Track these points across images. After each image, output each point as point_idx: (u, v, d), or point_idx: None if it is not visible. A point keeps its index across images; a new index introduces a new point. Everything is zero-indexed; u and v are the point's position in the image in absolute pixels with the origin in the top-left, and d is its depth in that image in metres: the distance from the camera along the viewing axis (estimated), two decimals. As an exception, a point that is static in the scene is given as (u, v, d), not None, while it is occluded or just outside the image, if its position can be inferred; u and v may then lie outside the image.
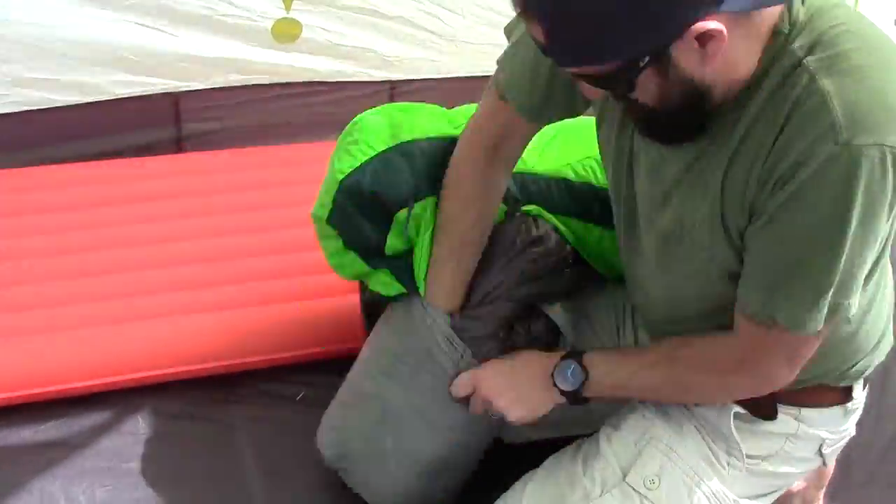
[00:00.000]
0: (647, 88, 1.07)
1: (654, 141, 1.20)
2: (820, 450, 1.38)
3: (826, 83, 1.04)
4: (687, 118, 1.12)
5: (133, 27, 2.31)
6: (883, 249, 1.17)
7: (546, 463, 1.42)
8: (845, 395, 1.37)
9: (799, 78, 1.05)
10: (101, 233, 2.10)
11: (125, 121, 2.44)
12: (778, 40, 1.08)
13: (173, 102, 2.48)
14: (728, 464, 1.34)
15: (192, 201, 2.25)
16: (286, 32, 2.47)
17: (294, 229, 2.14)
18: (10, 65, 2.25)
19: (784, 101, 1.06)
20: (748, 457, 1.33)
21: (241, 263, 2.05)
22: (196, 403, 1.81)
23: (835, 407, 1.36)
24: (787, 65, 1.07)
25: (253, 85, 2.54)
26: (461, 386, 1.46)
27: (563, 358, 1.37)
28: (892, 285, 1.35)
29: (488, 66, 2.77)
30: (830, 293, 1.10)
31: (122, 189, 2.27)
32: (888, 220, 1.09)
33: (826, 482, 1.66)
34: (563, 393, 1.36)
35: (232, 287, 1.98)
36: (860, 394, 1.39)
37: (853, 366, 1.33)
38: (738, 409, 1.32)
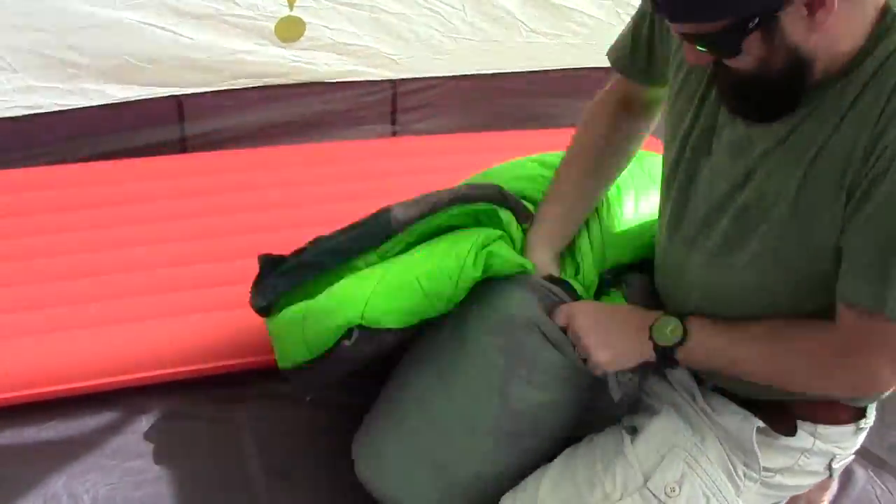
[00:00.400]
0: (751, 52, 1.07)
1: (742, 117, 1.20)
2: (830, 464, 1.39)
3: None
4: (784, 90, 1.11)
5: (137, 26, 2.31)
6: None
7: (559, 459, 1.42)
8: (859, 413, 1.38)
9: None
10: (105, 233, 2.11)
11: (129, 123, 2.45)
12: (886, 19, 1.07)
13: (177, 104, 2.48)
14: (744, 475, 1.34)
15: (195, 201, 2.25)
16: (289, 31, 2.47)
17: (299, 229, 2.14)
18: (17, 73, 2.25)
19: (889, 78, 1.06)
20: (764, 469, 1.34)
21: (247, 263, 2.05)
22: (201, 403, 1.81)
23: (849, 425, 1.37)
24: (892, 47, 1.06)
25: (256, 87, 2.54)
26: (560, 315, 1.39)
27: (665, 314, 1.33)
28: None
29: (490, 64, 2.79)
30: None
31: (125, 189, 2.27)
32: None
33: (830, 484, 1.67)
34: (655, 348, 1.31)
35: (237, 287, 1.96)
36: (872, 413, 1.39)
37: None
38: (760, 423, 1.32)
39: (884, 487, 1.77)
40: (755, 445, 1.32)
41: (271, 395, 1.83)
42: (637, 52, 1.44)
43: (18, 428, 1.72)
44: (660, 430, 1.36)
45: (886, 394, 1.25)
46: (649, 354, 1.32)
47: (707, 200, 1.28)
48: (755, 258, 1.23)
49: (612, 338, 1.35)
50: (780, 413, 1.33)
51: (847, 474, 1.77)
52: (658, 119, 1.55)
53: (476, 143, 2.63)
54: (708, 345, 1.29)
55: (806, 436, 1.34)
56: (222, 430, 1.77)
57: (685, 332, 1.28)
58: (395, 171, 2.45)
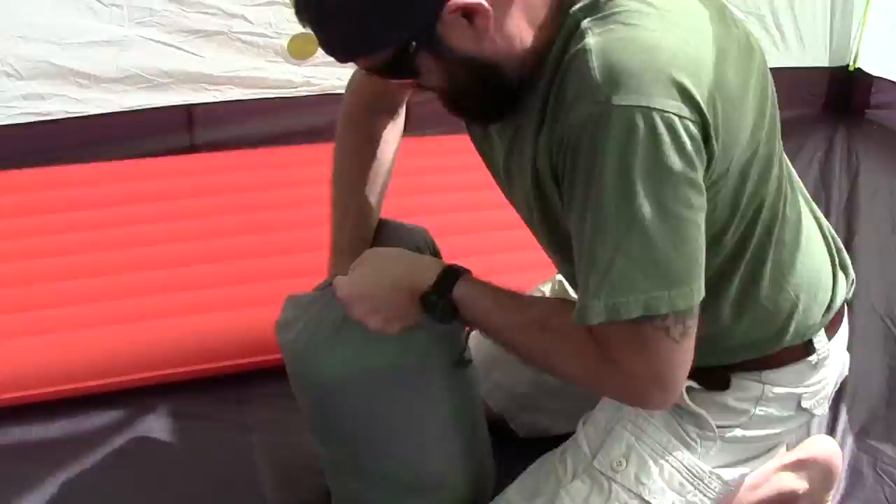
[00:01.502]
0: (430, 72, 1.07)
1: (469, 120, 1.22)
2: (799, 405, 1.34)
3: (591, 41, 1.00)
4: (486, 96, 1.10)
5: (148, 44, 2.33)
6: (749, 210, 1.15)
7: (539, 459, 1.41)
8: (806, 349, 1.32)
9: (577, 39, 1.02)
10: (112, 233, 2.11)
11: (138, 130, 2.46)
12: (563, 5, 1.06)
13: (187, 113, 2.49)
14: (699, 437, 1.30)
15: (202, 201, 2.25)
16: (302, 48, 2.47)
17: (306, 229, 2.14)
18: (24, 81, 2.27)
19: (564, 64, 1.04)
20: (719, 427, 1.30)
21: (253, 262, 2.06)
22: (209, 404, 1.81)
23: (799, 363, 1.32)
24: (569, 30, 1.04)
25: (266, 98, 2.55)
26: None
27: (433, 289, 1.22)
28: (815, 230, 1.32)
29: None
30: (608, 281, 1.02)
31: (133, 188, 2.27)
32: (684, 186, 1.01)
33: (833, 484, 1.67)
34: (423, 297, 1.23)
35: (243, 286, 1.98)
36: (824, 344, 1.33)
37: (789, 326, 1.28)
38: (690, 383, 1.26)
39: (893, 486, 1.76)
40: (690, 405, 1.28)
41: (278, 395, 1.81)
42: None
43: (25, 427, 1.73)
44: (605, 406, 1.34)
45: (670, 400, 1.15)
46: (416, 309, 1.24)
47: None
48: (552, 248, 1.25)
49: (381, 302, 1.26)
50: (709, 370, 1.28)
51: (855, 473, 1.77)
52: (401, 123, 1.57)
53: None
54: (480, 327, 1.26)
55: (751, 384, 1.30)
56: (229, 430, 1.77)
57: (452, 313, 1.22)
58: (398, 171, 2.44)
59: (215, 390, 1.84)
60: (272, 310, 1.89)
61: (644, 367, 1.09)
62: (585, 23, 1.02)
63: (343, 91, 2.52)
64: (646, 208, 0.99)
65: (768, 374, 1.31)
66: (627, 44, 0.99)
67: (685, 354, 1.10)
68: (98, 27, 2.26)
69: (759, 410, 1.32)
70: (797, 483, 1.58)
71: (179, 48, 2.36)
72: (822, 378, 1.36)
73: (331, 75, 2.53)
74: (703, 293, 1.05)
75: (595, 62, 0.99)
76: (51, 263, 1.99)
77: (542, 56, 1.07)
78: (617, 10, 1.02)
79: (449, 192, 2.33)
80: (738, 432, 1.32)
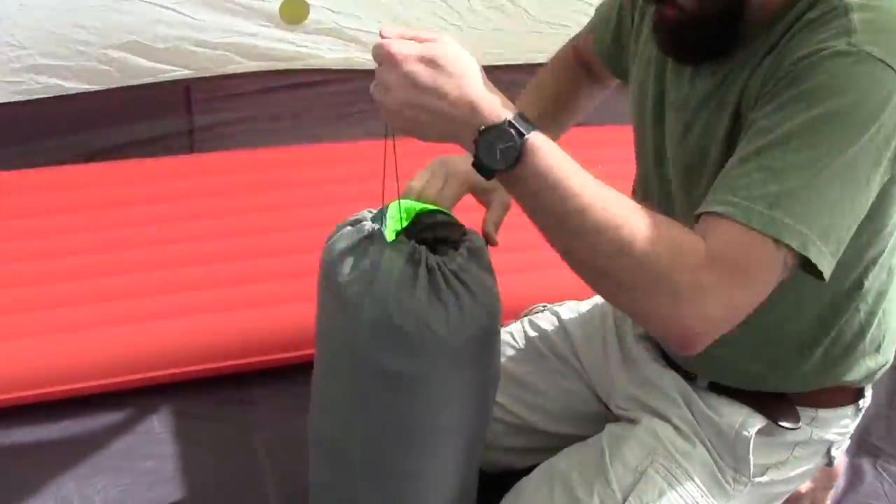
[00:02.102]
0: None
1: (679, 58, 1.18)
2: (828, 452, 1.37)
3: (853, 1, 1.01)
4: (720, 29, 1.10)
5: (143, 6, 2.33)
6: (883, 220, 1.13)
7: (536, 475, 1.39)
8: (858, 393, 1.36)
9: (827, 5, 1.03)
10: (115, 233, 2.12)
11: (137, 113, 2.46)
12: None
13: (184, 91, 2.50)
14: (734, 480, 1.31)
15: (203, 201, 2.26)
16: (294, 13, 2.48)
17: (308, 230, 2.15)
18: (24, 50, 2.26)
19: (809, 22, 1.04)
20: (755, 466, 1.31)
21: (255, 263, 2.06)
22: (211, 404, 1.82)
23: (848, 406, 1.35)
24: None
25: (263, 72, 2.55)
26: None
27: (504, 122, 0.97)
28: None
29: (495, 55, 2.79)
30: (781, 193, 0.96)
31: (133, 190, 2.28)
32: (878, 159, 0.99)
33: (834, 483, 1.67)
34: (475, 164, 0.99)
35: (246, 287, 1.98)
36: (869, 392, 1.38)
37: (869, 362, 1.30)
38: (761, 423, 1.28)
39: (892, 482, 1.77)
40: (750, 451, 1.29)
41: (281, 395, 1.84)
42: (607, 32, 1.45)
43: (29, 428, 1.73)
44: (637, 444, 1.32)
45: (702, 341, 1.00)
46: (469, 135, 0.98)
47: (671, 162, 1.26)
48: None
49: (422, 119, 1.01)
50: (781, 403, 1.30)
51: (855, 470, 1.78)
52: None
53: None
54: (546, 180, 0.98)
55: (803, 427, 1.31)
56: (232, 430, 1.78)
57: (519, 154, 0.97)
58: (401, 172, 2.45)
59: (217, 390, 1.84)
60: (274, 310, 1.92)
61: (718, 267, 0.96)
62: None
63: (330, 66, 2.57)
64: (849, 153, 0.97)
65: (820, 415, 1.32)
66: (888, 12, 1.01)
67: (758, 297, 1.00)
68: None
69: (796, 453, 1.34)
70: (800, 482, 1.59)
71: (174, 10, 2.37)
72: (854, 426, 1.39)
73: (322, 45, 2.55)
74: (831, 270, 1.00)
75: (856, 16, 1.00)
76: (51, 264, 2.00)
77: (780, 10, 1.07)
78: None
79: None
80: (768, 477, 1.33)
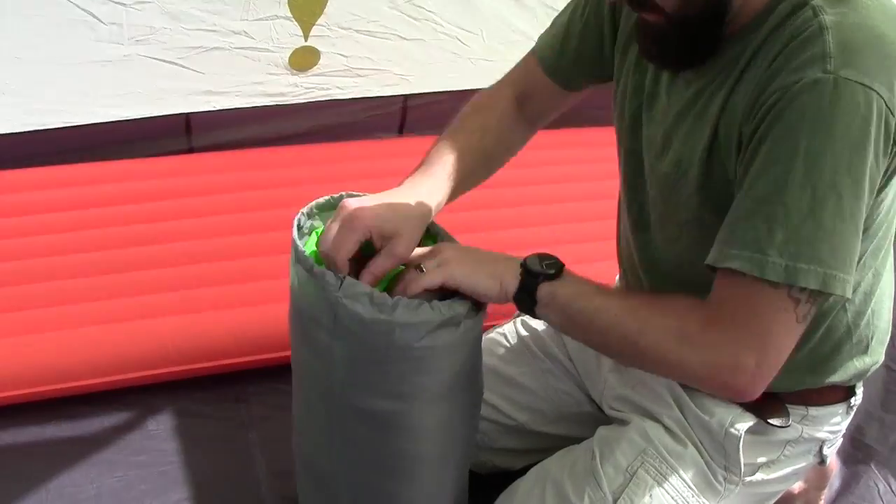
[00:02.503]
0: None
1: (662, 64, 1.19)
2: (820, 450, 1.37)
3: (826, 18, 1.02)
4: (702, 34, 1.11)
5: (147, 62, 2.32)
6: (877, 233, 1.15)
7: (530, 477, 1.39)
8: (849, 391, 1.36)
9: (802, 13, 1.05)
10: (112, 232, 2.13)
11: (136, 135, 2.46)
12: None
13: (185, 119, 2.49)
14: (725, 479, 1.31)
15: (200, 200, 2.27)
16: (304, 60, 2.48)
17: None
18: (24, 98, 2.26)
19: (784, 33, 1.05)
20: (746, 465, 1.31)
21: (251, 262, 2.07)
22: (207, 402, 1.83)
23: (839, 404, 1.35)
24: (795, 2, 1.06)
25: (265, 106, 2.55)
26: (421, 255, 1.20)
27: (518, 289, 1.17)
28: (893, 286, 1.33)
29: (491, 77, 2.78)
30: (793, 241, 1.01)
31: (130, 188, 2.29)
32: (870, 178, 1.02)
33: (827, 483, 1.67)
34: (523, 274, 1.16)
35: (242, 285, 1.99)
36: (861, 390, 1.37)
37: (857, 362, 1.30)
38: (751, 422, 1.29)
39: (886, 484, 1.77)
40: (740, 451, 1.29)
41: (276, 393, 1.85)
42: (565, 50, 1.40)
43: (24, 426, 1.74)
44: (628, 445, 1.32)
45: (752, 391, 1.10)
46: (513, 279, 1.16)
47: (647, 171, 1.27)
48: (684, 228, 1.21)
49: (481, 263, 1.18)
50: (771, 401, 1.29)
51: (850, 471, 1.78)
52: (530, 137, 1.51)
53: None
54: (577, 287, 1.16)
55: (793, 425, 1.31)
56: (227, 427, 1.79)
57: (558, 269, 1.16)
58: (401, 170, 2.46)
59: (212, 388, 1.85)
60: (270, 309, 1.92)
61: (754, 336, 1.06)
62: (818, 0, 1.05)
63: (341, 97, 2.58)
64: (845, 183, 1.01)
65: (811, 413, 1.32)
66: (861, 29, 1.02)
67: (794, 339, 1.08)
68: (97, 46, 2.26)
69: (786, 451, 1.34)
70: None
71: (179, 65, 2.37)
72: (846, 425, 1.39)
73: (331, 84, 2.55)
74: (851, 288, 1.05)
75: (831, 37, 1.01)
76: (49, 262, 2.01)
77: (758, 18, 1.09)
78: None
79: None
80: (759, 476, 1.34)
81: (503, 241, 2.20)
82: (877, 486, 1.77)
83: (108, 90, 2.34)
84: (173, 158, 2.47)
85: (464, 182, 1.34)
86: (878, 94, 1.00)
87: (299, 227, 1.29)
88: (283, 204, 2.27)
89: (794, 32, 1.04)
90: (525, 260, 1.17)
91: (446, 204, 1.31)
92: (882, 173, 1.05)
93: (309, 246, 1.26)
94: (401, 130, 2.78)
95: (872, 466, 1.80)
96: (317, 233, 1.30)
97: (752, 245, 1.03)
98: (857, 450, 1.82)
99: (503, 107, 1.44)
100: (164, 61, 2.35)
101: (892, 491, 1.77)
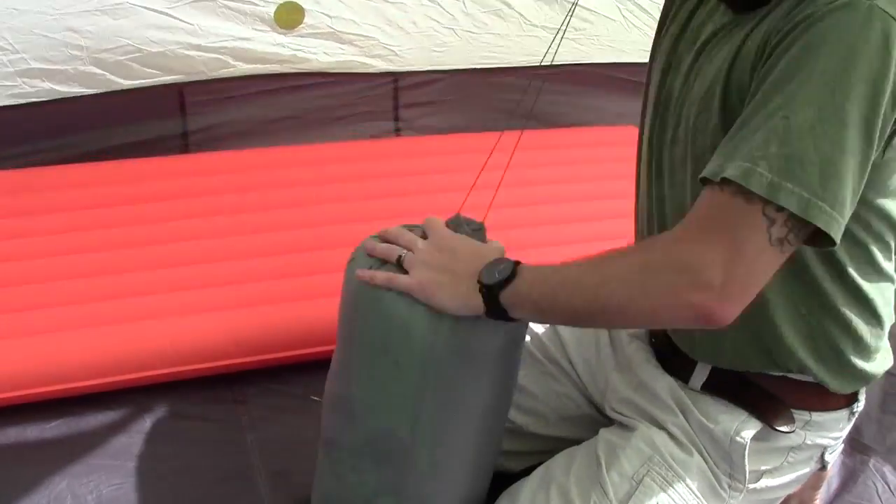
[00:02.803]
0: None
1: (732, 4, 1.17)
2: (822, 457, 1.37)
3: None
4: None
5: (137, 10, 2.31)
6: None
7: (534, 478, 1.38)
8: (852, 397, 1.35)
9: None
10: (107, 233, 2.12)
11: (131, 116, 2.45)
12: None
13: (178, 94, 2.48)
14: (729, 486, 1.31)
15: (197, 201, 2.26)
16: (289, 17, 2.47)
17: (302, 229, 2.16)
18: (17, 55, 2.25)
19: None
20: (751, 472, 1.30)
21: (249, 263, 2.07)
22: (204, 403, 1.82)
23: (842, 410, 1.34)
24: None
25: (257, 76, 2.54)
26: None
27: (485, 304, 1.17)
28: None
29: (491, 59, 2.78)
30: (784, 156, 0.97)
31: (127, 189, 2.28)
32: (883, 120, 0.99)
33: (823, 482, 1.67)
34: (481, 289, 1.16)
35: (239, 286, 1.99)
36: (863, 395, 1.37)
37: (860, 362, 1.29)
38: (756, 428, 1.28)
39: (885, 484, 1.78)
40: (746, 460, 1.28)
41: (274, 395, 1.85)
42: None
43: (21, 428, 1.73)
44: (634, 453, 1.31)
45: (722, 312, 1.03)
46: (477, 298, 1.16)
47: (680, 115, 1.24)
48: (698, 162, 1.16)
49: (441, 276, 1.19)
50: (775, 406, 1.29)
51: (848, 471, 1.78)
52: None
53: (480, 142, 2.64)
54: (535, 273, 1.15)
55: (797, 431, 1.31)
56: (225, 430, 1.78)
57: (514, 271, 1.15)
58: (398, 171, 2.46)
59: (211, 390, 1.85)
60: (269, 309, 1.92)
61: (719, 246, 1.01)
62: None
63: (326, 70, 2.57)
64: (853, 114, 0.98)
65: (814, 418, 1.31)
66: None
67: (766, 264, 1.03)
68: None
69: (790, 458, 1.33)
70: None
71: (168, 15, 2.35)
72: (847, 431, 1.38)
73: (318, 48, 2.54)
74: (840, 234, 1.00)
75: None
76: (47, 263, 2.00)
77: None
78: None
79: (448, 191, 2.35)
80: (762, 483, 1.33)
81: (506, 241, 2.20)
82: (875, 486, 1.77)
83: (101, 44, 2.33)
84: (172, 159, 2.46)
85: None
86: None
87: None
88: (282, 204, 2.28)
89: None
90: (480, 275, 1.17)
91: None
92: (894, 120, 1.02)
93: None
94: (396, 117, 2.77)
95: (871, 466, 1.80)
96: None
97: (745, 155, 0.99)
98: (854, 450, 1.82)
99: None
100: (155, 10, 2.34)
101: (891, 490, 1.77)
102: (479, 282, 1.16)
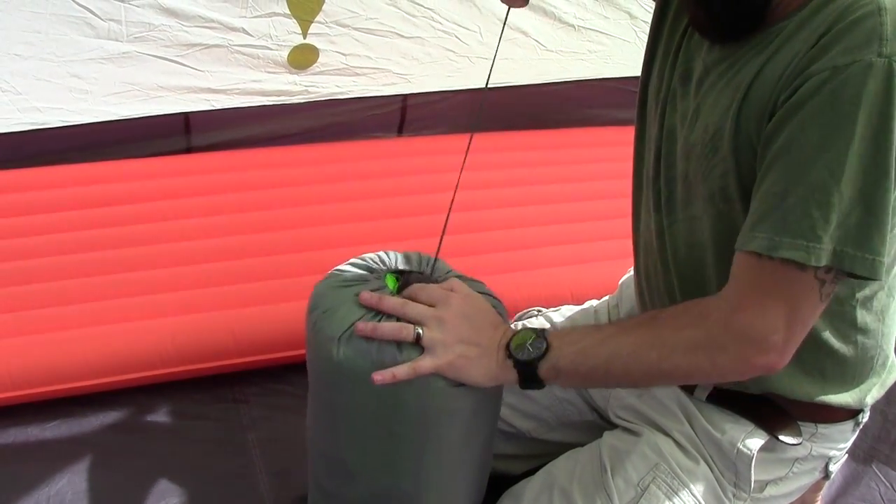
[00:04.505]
0: None
1: (711, 31, 1.17)
2: (826, 467, 1.36)
3: (885, 1, 1.00)
4: (746, 2, 1.09)
5: (144, 58, 2.31)
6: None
7: (538, 480, 1.38)
8: (858, 411, 1.34)
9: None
10: (110, 232, 2.12)
11: (134, 135, 2.45)
12: None
13: (184, 118, 2.48)
14: (734, 496, 1.30)
15: (198, 201, 2.26)
16: (303, 59, 2.46)
17: (304, 228, 2.16)
18: (21, 96, 2.26)
19: (834, 8, 1.03)
20: (756, 481, 1.30)
21: (250, 262, 2.07)
22: (205, 403, 1.82)
23: (848, 422, 1.33)
24: None
25: (264, 105, 2.54)
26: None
27: (522, 328, 1.20)
28: None
29: (499, 78, 2.74)
30: (843, 226, 1.01)
31: (127, 189, 2.28)
32: None
33: (824, 484, 1.66)
34: (516, 364, 1.16)
35: (240, 286, 1.99)
36: (868, 407, 1.35)
37: (866, 379, 1.29)
38: (763, 439, 1.28)
39: (888, 485, 1.77)
40: (752, 470, 1.28)
41: (274, 395, 1.85)
42: None
43: (23, 427, 1.73)
44: (640, 459, 1.31)
45: (782, 365, 1.10)
46: (511, 375, 1.17)
47: (679, 149, 1.25)
48: (707, 202, 1.18)
49: (465, 349, 1.17)
50: (781, 416, 1.28)
51: (851, 472, 1.77)
52: None
53: (478, 143, 2.63)
54: (574, 349, 1.16)
55: (803, 443, 1.30)
56: (225, 429, 1.78)
57: (547, 343, 1.16)
58: (398, 171, 2.46)
59: (212, 389, 1.85)
60: (269, 309, 1.92)
61: (779, 315, 1.07)
62: None
63: (341, 97, 2.58)
64: (888, 157, 1.00)
65: (820, 430, 1.31)
66: None
67: (817, 315, 1.10)
68: (96, 43, 2.25)
69: (795, 468, 1.33)
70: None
71: (178, 63, 2.36)
72: (852, 441, 1.37)
73: (329, 83, 2.54)
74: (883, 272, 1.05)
75: (888, 19, 0.99)
76: (48, 263, 2.00)
77: None
78: None
79: (448, 191, 2.35)
80: (767, 492, 1.33)
81: (504, 241, 2.21)
82: (878, 487, 1.76)
83: (107, 88, 2.34)
84: (173, 158, 2.46)
85: None
86: None
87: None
88: (283, 204, 2.28)
89: (846, 9, 1.02)
90: (511, 351, 1.16)
91: None
92: None
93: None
94: (400, 130, 2.77)
95: (873, 467, 1.80)
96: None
97: (798, 231, 1.02)
98: (858, 450, 1.82)
99: None
100: (163, 59, 2.34)
101: (894, 489, 1.77)
102: (510, 357, 1.17)
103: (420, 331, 1.15)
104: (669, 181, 1.26)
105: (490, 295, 1.28)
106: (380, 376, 1.13)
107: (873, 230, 1.02)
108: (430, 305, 1.17)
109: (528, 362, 1.15)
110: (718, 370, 1.13)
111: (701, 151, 1.17)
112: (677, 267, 1.27)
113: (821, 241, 1.02)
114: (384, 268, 1.28)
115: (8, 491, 1.60)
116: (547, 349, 1.15)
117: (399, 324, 1.15)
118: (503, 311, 1.27)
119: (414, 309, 1.17)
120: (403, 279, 1.26)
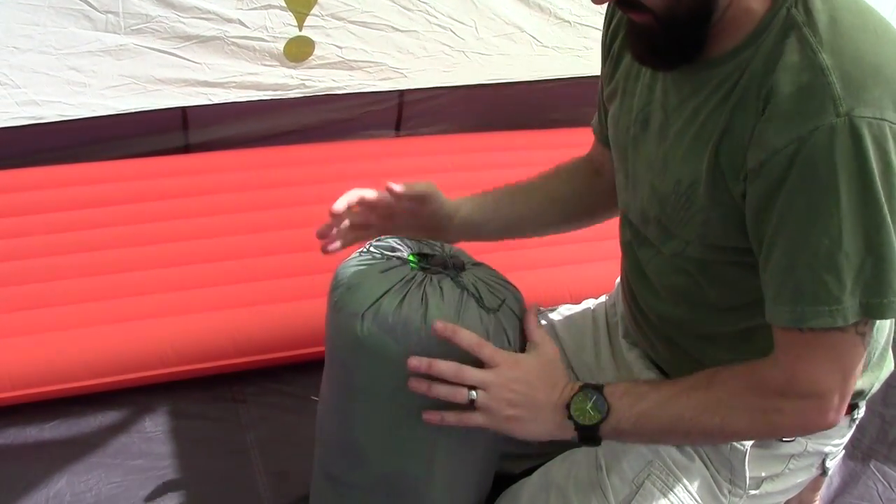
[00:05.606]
0: None
1: (654, 65, 1.18)
2: (823, 463, 1.36)
3: (824, 59, 1.02)
4: (688, 34, 1.09)
5: (141, 50, 2.31)
6: None
7: (535, 480, 1.38)
8: (853, 406, 1.34)
9: (791, 36, 1.04)
10: (110, 232, 2.12)
11: (132, 130, 2.45)
12: None
13: (181, 113, 2.48)
14: (730, 492, 1.31)
15: (198, 200, 2.26)
16: (298, 51, 2.46)
17: (302, 229, 2.14)
18: (20, 89, 2.25)
19: (779, 59, 1.04)
20: (752, 478, 1.30)
21: (249, 262, 2.06)
22: (204, 403, 1.82)
23: (843, 418, 1.29)
24: (782, 21, 1.05)
25: (260, 100, 2.54)
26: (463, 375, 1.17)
27: (581, 388, 1.19)
28: None
29: (497, 75, 2.76)
30: (861, 281, 1.03)
31: (127, 188, 2.28)
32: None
33: (822, 483, 1.67)
34: (577, 427, 1.18)
35: (239, 286, 1.99)
36: (863, 402, 1.36)
37: (862, 374, 1.28)
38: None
39: (886, 484, 1.78)
40: (746, 466, 1.29)
41: (274, 395, 1.85)
42: (601, 111, 1.42)
43: (21, 427, 1.73)
44: (635, 457, 1.31)
45: (839, 419, 1.13)
46: (571, 436, 1.19)
47: (645, 189, 1.26)
48: (689, 244, 1.20)
49: (531, 413, 1.19)
50: None
51: (850, 472, 1.78)
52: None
53: (478, 142, 2.64)
54: (635, 411, 1.17)
55: (798, 439, 1.31)
56: (224, 429, 1.78)
57: (608, 405, 1.17)
58: (398, 171, 2.46)
59: (211, 389, 1.85)
60: (268, 309, 1.92)
61: (832, 375, 1.10)
62: (800, 19, 1.04)
63: (337, 92, 2.57)
64: (889, 210, 1.02)
65: None
66: (859, 63, 1.02)
67: (862, 362, 1.11)
68: (94, 35, 2.25)
69: (791, 465, 1.33)
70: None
71: (175, 55, 2.36)
72: (848, 437, 1.38)
73: (326, 77, 2.53)
74: None
75: (835, 79, 1.01)
76: (47, 263, 2.00)
77: (759, 27, 1.07)
78: (832, 14, 1.04)
79: (448, 191, 2.35)
80: (763, 489, 1.33)
81: (503, 241, 2.19)
82: (876, 486, 1.77)
83: (105, 81, 2.33)
84: (171, 158, 2.46)
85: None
86: (889, 122, 1.00)
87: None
88: (282, 203, 2.28)
89: (795, 74, 1.03)
90: (571, 414, 1.17)
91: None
92: None
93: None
94: (398, 126, 2.77)
95: (871, 466, 1.80)
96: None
97: (826, 298, 1.04)
98: (856, 450, 1.82)
99: (578, 163, 1.53)
100: (160, 51, 2.34)
101: (893, 489, 1.78)
102: (569, 417, 1.17)
103: (475, 395, 1.16)
104: (645, 222, 1.27)
105: (508, 284, 1.29)
106: (431, 415, 1.18)
107: (891, 274, 1.03)
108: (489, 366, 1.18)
109: (590, 426, 1.17)
110: (780, 432, 1.20)
111: (676, 201, 1.18)
112: (658, 293, 1.30)
113: (841, 303, 1.03)
114: (408, 249, 1.30)
115: (7, 491, 1.61)
116: (608, 411, 1.16)
117: (454, 388, 1.16)
118: (521, 301, 1.28)
119: (470, 374, 1.16)
120: (424, 262, 1.27)
